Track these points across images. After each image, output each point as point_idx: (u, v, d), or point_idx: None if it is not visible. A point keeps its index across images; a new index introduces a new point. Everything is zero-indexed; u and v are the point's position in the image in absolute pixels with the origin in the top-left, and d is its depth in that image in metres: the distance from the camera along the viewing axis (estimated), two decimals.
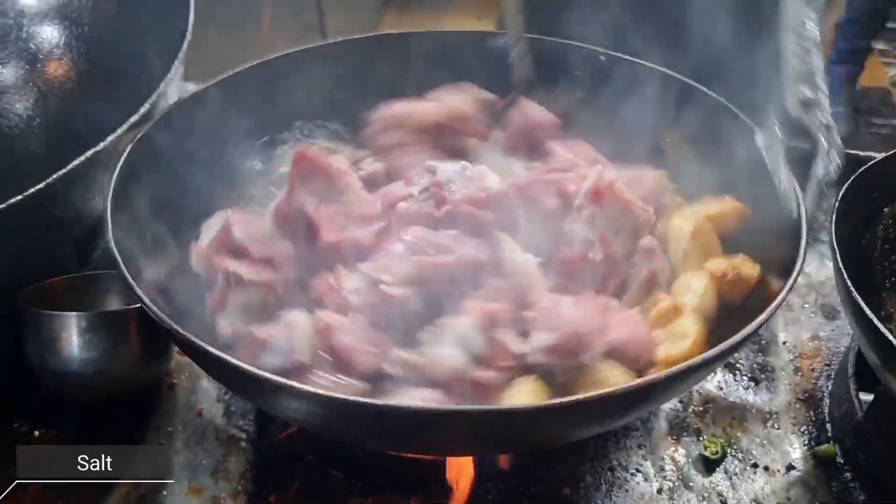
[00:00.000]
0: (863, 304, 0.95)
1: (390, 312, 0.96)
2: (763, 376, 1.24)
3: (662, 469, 1.11)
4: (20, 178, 1.01)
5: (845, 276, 0.99)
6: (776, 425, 1.17)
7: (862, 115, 4.07)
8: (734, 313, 1.05)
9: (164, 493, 1.07)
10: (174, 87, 1.22)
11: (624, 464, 1.12)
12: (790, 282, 0.90)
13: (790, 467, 1.12)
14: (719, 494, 1.08)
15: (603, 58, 1.29)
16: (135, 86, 1.19)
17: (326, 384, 0.91)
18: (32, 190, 0.98)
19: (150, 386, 1.18)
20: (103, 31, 1.45)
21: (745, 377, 1.24)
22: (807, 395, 1.22)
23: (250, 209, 1.16)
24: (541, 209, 1.07)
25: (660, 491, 1.09)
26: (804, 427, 1.17)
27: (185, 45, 1.21)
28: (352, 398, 0.81)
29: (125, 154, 1.04)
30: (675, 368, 0.81)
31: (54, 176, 0.99)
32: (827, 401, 1.20)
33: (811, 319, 1.35)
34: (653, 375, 0.83)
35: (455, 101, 1.24)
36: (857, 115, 3.91)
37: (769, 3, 1.08)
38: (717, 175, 1.15)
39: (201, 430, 1.15)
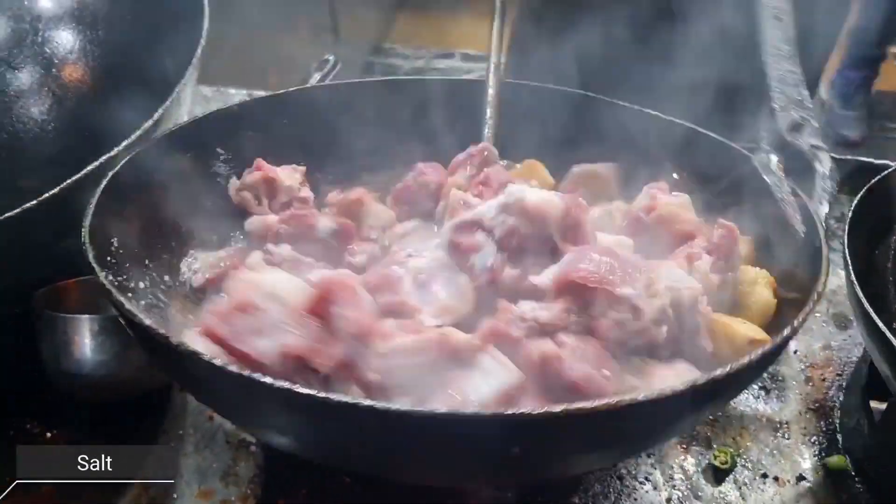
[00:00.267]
0: (875, 316, 0.94)
1: None
2: (774, 386, 1.24)
3: (672, 478, 1.11)
4: (35, 182, 1.02)
5: (857, 287, 0.98)
6: (786, 435, 1.17)
7: (876, 119, 4.05)
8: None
9: (175, 496, 1.07)
10: (189, 92, 1.23)
11: (633, 472, 1.11)
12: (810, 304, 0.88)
13: (800, 478, 1.11)
14: None
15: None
16: (149, 90, 1.19)
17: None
18: (47, 195, 0.99)
19: (161, 389, 1.19)
20: (118, 36, 1.46)
21: (755, 386, 1.23)
22: (818, 405, 1.21)
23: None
24: None
25: (669, 500, 1.08)
26: (815, 437, 1.17)
27: (200, 50, 1.22)
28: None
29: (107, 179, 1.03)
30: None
31: (69, 180, 1.00)
32: (838, 411, 1.20)
33: (823, 329, 1.34)
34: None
35: None
36: (871, 121, 3.89)
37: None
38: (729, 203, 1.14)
39: (211, 434, 1.15)
